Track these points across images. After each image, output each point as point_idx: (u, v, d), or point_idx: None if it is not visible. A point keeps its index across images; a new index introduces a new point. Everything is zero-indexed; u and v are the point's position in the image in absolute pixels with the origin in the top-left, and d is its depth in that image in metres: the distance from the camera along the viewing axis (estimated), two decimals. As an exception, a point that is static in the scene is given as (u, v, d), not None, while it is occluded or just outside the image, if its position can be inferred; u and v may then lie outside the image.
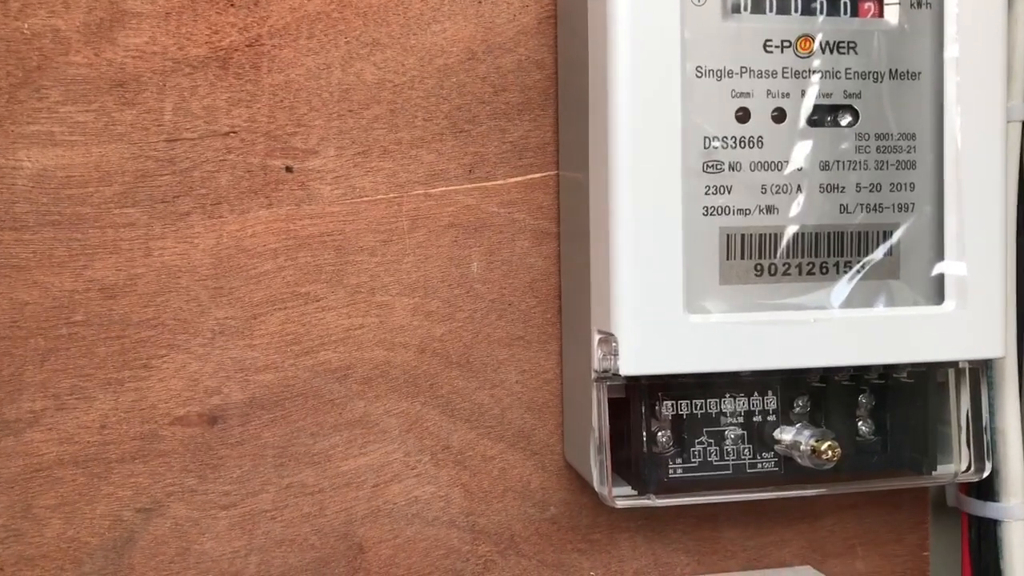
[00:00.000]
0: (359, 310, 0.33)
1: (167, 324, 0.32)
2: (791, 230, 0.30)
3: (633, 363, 0.29)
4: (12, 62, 0.31)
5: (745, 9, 0.29)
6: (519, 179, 0.34)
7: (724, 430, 0.31)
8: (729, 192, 0.29)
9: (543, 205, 0.34)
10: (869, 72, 0.30)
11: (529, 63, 0.34)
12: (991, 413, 0.33)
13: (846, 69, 0.30)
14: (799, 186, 0.30)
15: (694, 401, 0.30)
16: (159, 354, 0.32)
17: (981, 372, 0.32)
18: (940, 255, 0.31)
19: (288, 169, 0.33)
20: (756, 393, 0.31)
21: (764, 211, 0.30)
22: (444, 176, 0.34)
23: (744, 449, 0.31)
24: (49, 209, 0.32)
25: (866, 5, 0.30)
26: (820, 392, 0.32)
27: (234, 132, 0.32)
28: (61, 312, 0.32)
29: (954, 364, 0.31)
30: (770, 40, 0.30)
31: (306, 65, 0.33)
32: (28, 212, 0.31)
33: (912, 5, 0.30)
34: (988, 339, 0.31)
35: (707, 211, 0.29)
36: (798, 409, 0.32)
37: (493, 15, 0.34)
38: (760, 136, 0.30)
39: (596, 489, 0.30)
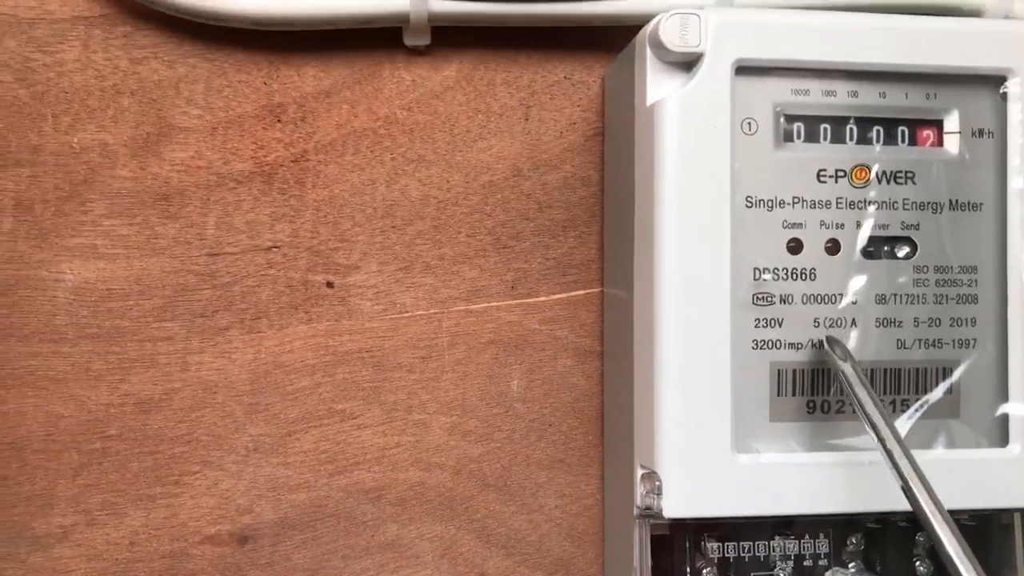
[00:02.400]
0: (395, 428, 0.33)
1: (201, 440, 0.32)
2: (845, 366, 0.28)
3: (678, 505, 0.27)
4: (60, 176, 0.31)
5: (798, 138, 0.29)
6: (562, 296, 0.34)
7: (773, 574, 0.29)
8: (780, 325, 0.28)
9: (586, 323, 0.34)
10: (928, 203, 0.29)
11: (575, 180, 0.34)
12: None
13: (904, 199, 0.29)
14: (854, 320, 0.29)
15: (742, 543, 0.29)
16: (192, 470, 0.32)
17: (1048, 516, 0.30)
18: (1004, 395, 0.29)
19: (329, 284, 0.32)
20: (807, 535, 0.29)
21: (816, 345, 0.28)
22: (486, 292, 0.33)
23: (794, 594, 0.29)
24: (88, 322, 0.31)
25: (925, 134, 0.29)
26: (876, 532, 0.30)
27: (276, 247, 0.32)
28: (96, 426, 0.31)
29: (1020, 510, 0.29)
30: (824, 170, 0.29)
31: (351, 181, 0.33)
32: (67, 325, 0.31)
33: (973, 134, 0.29)
34: (1056, 484, 0.29)
35: (757, 345, 0.28)
36: (851, 547, 0.30)
37: (540, 132, 0.33)
38: (813, 268, 0.29)
39: (636, 632, 0.28)
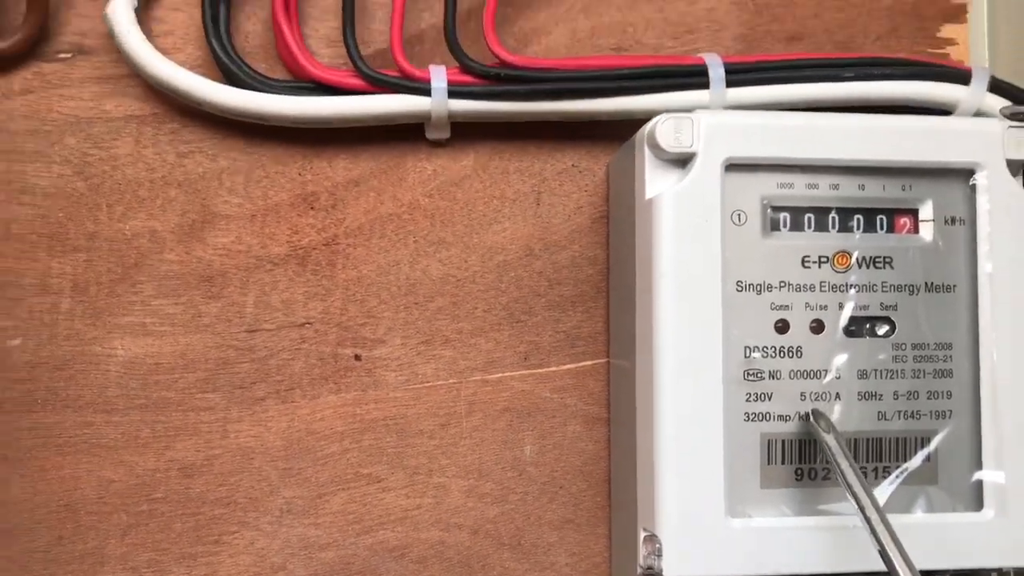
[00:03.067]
0: (417, 491, 0.35)
1: (239, 502, 0.35)
2: (830, 436, 0.31)
3: (676, 566, 0.30)
4: (113, 260, 0.34)
5: (784, 227, 0.31)
6: (571, 366, 0.36)
7: (766, 629, 0.31)
8: (770, 399, 0.31)
9: (594, 391, 0.36)
10: (905, 285, 0.32)
11: (582, 259, 0.36)
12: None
13: (882, 282, 0.32)
14: (838, 394, 0.31)
15: (736, 599, 0.31)
16: (230, 531, 0.34)
17: (1025, 576, 0.32)
18: (979, 463, 0.31)
19: (357, 357, 0.35)
20: (797, 593, 0.32)
21: (803, 418, 0.31)
22: (500, 363, 0.36)
23: (786, 648, 0.31)
24: (137, 393, 0.34)
25: (901, 221, 0.32)
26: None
27: (309, 323, 0.35)
28: (143, 489, 0.34)
29: (996, 570, 0.32)
30: (808, 256, 0.31)
31: (377, 262, 0.36)
32: (118, 396, 0.34)
33: (946, 222, 0.32)
34: (1030, 546, 0.31)
35: (748, 417, 0.31)
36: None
37: (550, 216, 0.36)
38: (799, 346, 0.31)
39: None
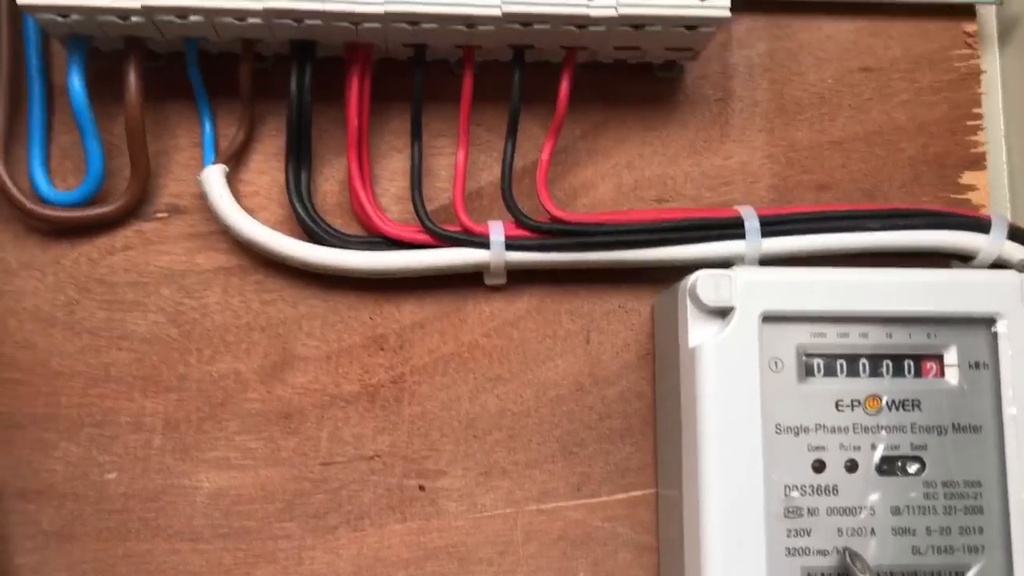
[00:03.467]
0: (478, 615, 0.38)
1: (312, 626, 0.37)
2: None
3: None
4: (201, 399, 0.38)
5: (818, 373, 0.34)
6: (622, 496, 0.39)
7: None
8: (809, 535, 0.33)
9: (643, 520, 0.39)
10: (934, 426, 0.34)
11: (631, 394, 0.39)
12: None
13: (912, 424, 0.34)
14: (873, 529, 0.33)
15: None
16: (304, 653, 0.37)
17: None
18: (1011, 595, 0.33)
19: (421, 488, 0.38)
20: None
21: (841, 552, 0.33)
22: (554, 494, 0.38)
23: None
24: (221, 523, 0.37)
25: (928, 366, 0.34)
26: None
27: (377, 456, 0.38)
28: (225, 613, 0.37)
29: None
30: (841, 400, 0.34)
31: (440, 398, 0.39)
32: (204, 525, 0.37)
33: (971, 366, 0.34)
34: (1063, 678, 0.33)
35: (789, 552, 0.33)
36: None
37: (599, 353, 0.39)
38: (835, 484, 0.33)
39: None
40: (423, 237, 0.38)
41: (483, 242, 0.37)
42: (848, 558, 0.32)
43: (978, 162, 0.41)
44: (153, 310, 0.38)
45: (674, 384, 0.35)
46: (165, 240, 0.38)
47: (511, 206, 0.37)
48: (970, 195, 0.41)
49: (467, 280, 0.39)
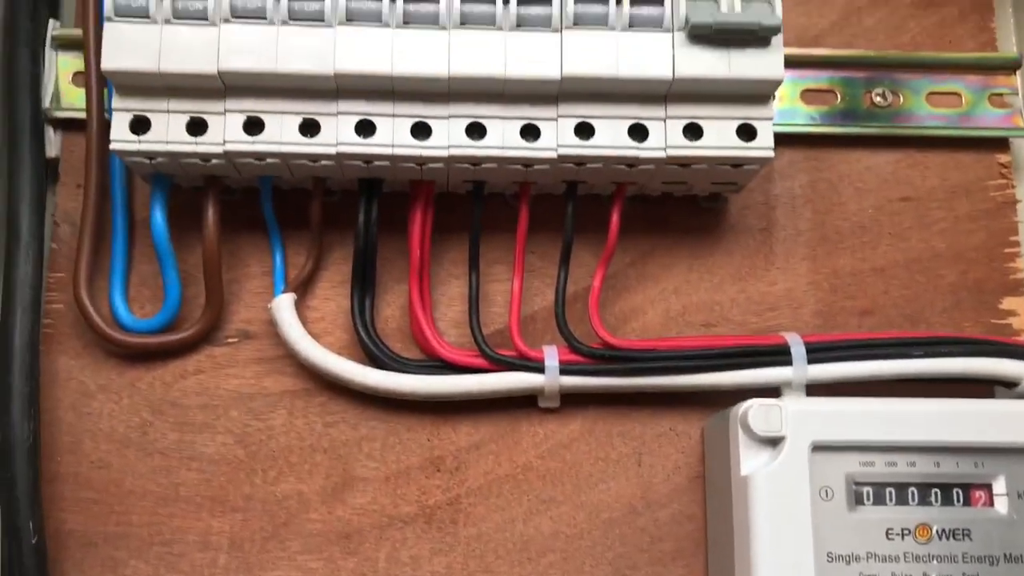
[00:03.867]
0: None
1: None
2: None
3: None
4: (265, 519, 0.39)
5: (868, 501, 0.35)
6: (673, 618, 0.39)
7: None
8: (864, 664, 0.33)
9: (695, 643, 0.39)
10: (985, 556, 0.34)
11: (682, 516, 0.40)
12: None
13: (963, 553, 0.34)
14: (928, 658, 0.34)
15: None
16: None
17: None
18: None
19: (476, 608, 0.39)
20: None
21: None
22: (608, 615, 0.39)
23: None
24: (282, 642, 0.38)
25: (977, 495, 0.35)
26: None
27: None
28: None
29: None
30: (892, 528, 0.35)
31: (494, 520, 0.40)
32: (265, 644, 0.38)
33: (1020, 496, 0.35)
34: None
35: None
36: None
37: (651, 476, 0.40)
38: (889, 615, 0.34)
39: None
40: (480, 361, 0.39)
41: (538, 367, 0.39)
42: None
43: (1017, 288, 0.42)
44: (221, 432, 0.40)
45: (726, 510, 0.36)
46: (235, 364, 0.40)
47: (564, 331, 0.39)
48: (1011, 320, 0.42)
49: (522, 403, 0.40)
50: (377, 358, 0.39)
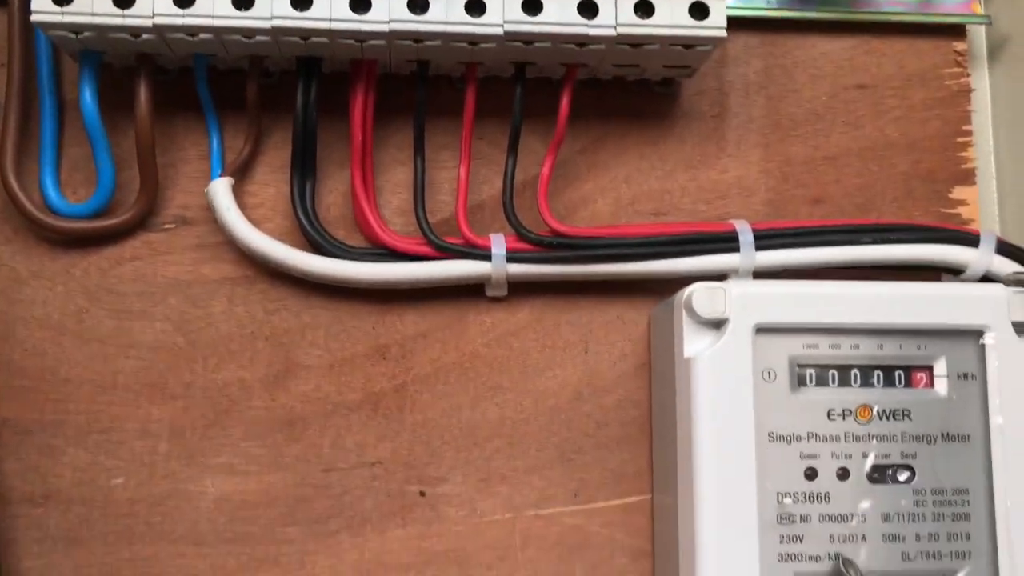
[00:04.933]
0: (477, 619, 0.38)
1: (314, 629, 0.38)
2: None
3: None
4: (207, 406, 0.39)
5: (810, 383, 0.35)
6: (618, 502, 0.39)
7: None
8: (801, 541, 0.34)
9: (639, 526, 0.39)
10: (923, 435, 0.35)
11: (627, 402, 0.40)
12: None
13: (902, 433, 0.35)
14: (864, 536, 0.34)
15: None
16: (306, 656, 0.38)
17: None
18: (998, 601, 0.34)
19: (422, 494, 0.39)
20: None
21: (833, 558, 0.34)
22: (552, 499, 0.39)
23: None
24: (225, 528, 0.38)
25: (918, 377, 0.35)
26: None
27: (379, 463, 0.39)
28: (229, 617, 0.38)
29: None
30: (833, 409, 0.35)
31: (441, 406, 0.39)
32: (208, 530, 0.38)
33: (959, 377, 0.35)
34: None
35: (782, 557, 0.34)
36: None
37: (597, 363, 0.40)
38: (827, 492, 0.34)
39: None
40: (426, 249, 0.38)
41: (485, 255, 0.38)
42: (841, 564, 0.33)
43: (968, 178, 0.42)
44: (160, 319, 0.39)
45: (670, 393, 0.36)
46: (172, 251, 0.39)
47: (512, 219, 0.38)
48: (960, 210, 0.42)
49: (469, 291, 0.40)
50: (319, 245, 0.38)
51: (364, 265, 0.38)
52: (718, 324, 0.35)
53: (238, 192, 0.39)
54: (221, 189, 0.38)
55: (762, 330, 0.35)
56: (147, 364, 0.39)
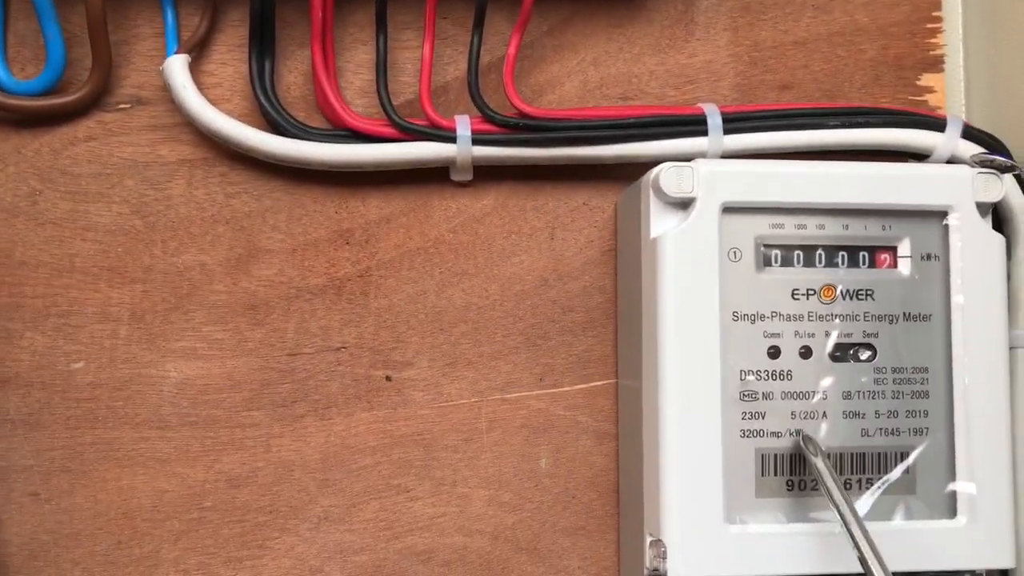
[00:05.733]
0: (442, 500, 0.39)
1: (280, 510, 0.38)
2: (818, 451, 0.34)
3: (680, 568, 0.33)
4: (167, 290, 0.38)
5: (776, 263, 0.35)
6: (583, 386, 0.40)
7: (761, 625, 0.35)
8: (763, 418, 0.34)
9: (604, 409, 0.40)
10: (885, 315, 0.35)
11: (593, 288, 0.40)
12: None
13: (865, 312, 0.35)
14: (824, 413, 0.35)
15: (734, 599, 0.35)
16: (273, 536, 0.38)
17: (996, 578, 0.35)
18: (953, 475, 0.35)
19: (388, 378, 0.39)
20: (789, 593, 0.35)
21: (794, 434, 0.34)
22: (518, 384, 0.39)
23: (779, 643, 0.35)
24: (188, 412, 0.38)
25: (882, 257, 0.36)
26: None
27: (344, 347, 0.39)
28: (194, 499, 0.38)
29: (970, 572, 0.35)
30: (797, 289, 0.35)
31: (406, 291, 0.39)
32: (171, 414, 0.38)
33: (922, 258, 0.35)
34: (998, 550, 0.34)
35: (744, 434, 0.34)
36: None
37: (563, 249, 0.40)
38: (789, 370, 0.35)
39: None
40: (389, 131, 0.38)
41: (449, 136, 0.37)
42: (801, 440, 0.34)
43: (936, 64, 0.42)
44: (117, 201, 0.38)
45: (635, 275, 0.36)
46: (128, 131, 0.38)
47: (477, 100, 0.37)
48: (927, 96, 0.42)
49: (433, 176, 0.39)
50: (279, 125, 0.37)
51: (325, 146, 0.37)
52: (685, 204, 0.35)
53: (195, 72, 0.38)
54: (177, 67, 0.37)
55: (729, 209, 0.34)
56: (105, 247, 0.38)
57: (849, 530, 0.31)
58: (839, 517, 0.32)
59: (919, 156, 0.39)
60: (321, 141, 0.37)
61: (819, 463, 0.33)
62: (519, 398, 0.39)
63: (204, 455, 0.38)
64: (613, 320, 0.40)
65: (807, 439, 0.34)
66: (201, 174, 0.38)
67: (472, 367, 0.39)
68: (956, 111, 0.42)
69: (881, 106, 0.40)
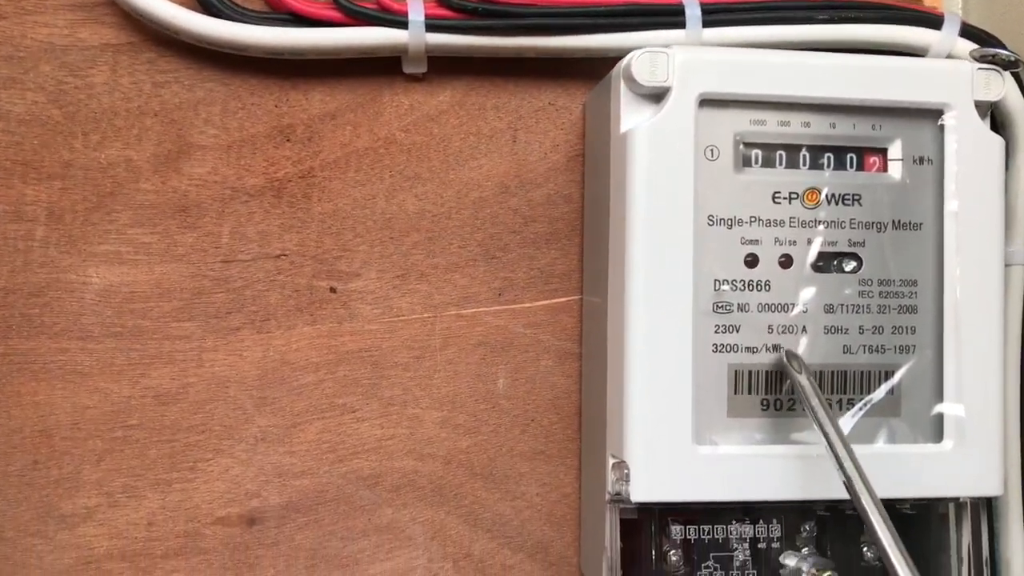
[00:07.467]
0: (391, 421, 0.36)
1: (214, 430, 0.35)
2: (796, 368, 0.32)
3: (644, 490, 0.31)
4: (88, 188, 0.34)
5: (756, 163, 0.32)
6: (545, 303, 0.37)
7: (731, 555, 0.32)
8: (737, 331, 0.32)
9: (567, 327, 0.37)
10: (873, 223, 0.32)
11: (558, 197, 0.37)
12: (994, 544, 0.35)
13: (851, 219, 0.32)
14: (804, 327, 0.32)
15: (702, 526, 0.32)
16: (205, 458, 0.35)
17: (981, 507, 0.33)
18: (940, 396, 0.32)
19: (332, 290, 0.36)
20: (762, 520, 0.32)
21: (771, 349, 0.32)
22: (475, 299, 0.36)
23: (750, 574, 0.32)
24: (112, 321, 0.35)
25: (871, 160, 0.33)
26: (826, 519, 0.33)
27: (285, 255, 0.35)
28: (118, 416, 0.35)
29: (954, 499, 0.33)
30: (779, 192, 0.32)
31: (353, 196, 0.36)
32: (93, 324, 0.34)
33: (914, 161, 0.33)
34: (985, 477, 0.32)
35: (716, 348, 0.32)
36: (805, 534, 0.33)
37: (526, 153, 0.37)
38: (768, 280, 0.32)
39: (607, 606, 0.31)
40: (334, 14, 0.34)
41: (401, 21, 0.34)
42: (784, 356, 0.31)
43: (934, -39, 0.39)
44: (32, 88, 0.34)
45: (604, 179, 0.33)
46: (44, 10, 0.34)
47: (433, -18, 0.34)
48: (923, -4, 0.39)
49: (383, 67, 0.36)
50: (211, 5, 0.34)
51: (264, 29, 0.34)
52: (659, 96, 0.31)
53: (119, -55, 0.34)
54: (97, -64, 0.33)
55: (706, 102, 0.31)
56: (18, 139, 0.34)
57: (835, 452, 0.28)
58: (824, 439, 0.29)
59: (914, 56, 0.36)
60: (259, 24, 0.34)
61: (803, 380, 0.30)
62: (476, 314, 0.36)
63: (129, 369, 0.35)
64: (579, 232, 0.37)
65: (791, 355, 0.31)
66: (127, 60, 0.35)
67: (425, 280, 0.36)
68: (953, 8, 0.39)
69: (874, 0, 0.36)
